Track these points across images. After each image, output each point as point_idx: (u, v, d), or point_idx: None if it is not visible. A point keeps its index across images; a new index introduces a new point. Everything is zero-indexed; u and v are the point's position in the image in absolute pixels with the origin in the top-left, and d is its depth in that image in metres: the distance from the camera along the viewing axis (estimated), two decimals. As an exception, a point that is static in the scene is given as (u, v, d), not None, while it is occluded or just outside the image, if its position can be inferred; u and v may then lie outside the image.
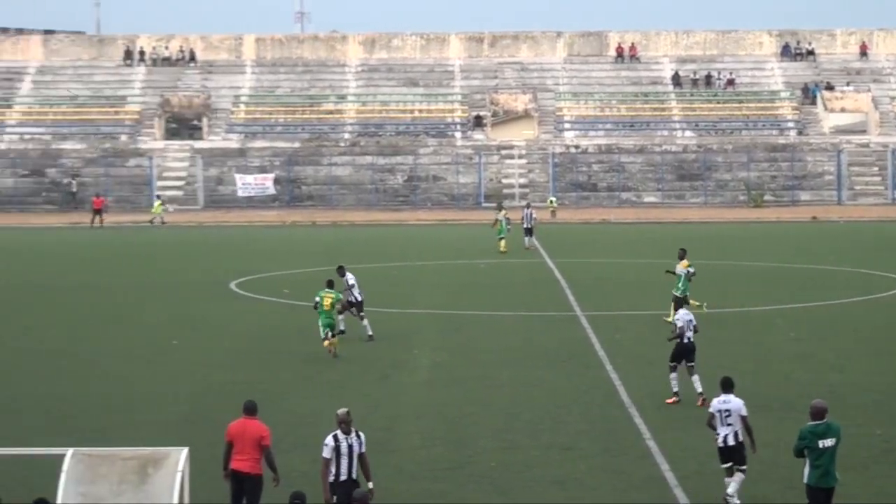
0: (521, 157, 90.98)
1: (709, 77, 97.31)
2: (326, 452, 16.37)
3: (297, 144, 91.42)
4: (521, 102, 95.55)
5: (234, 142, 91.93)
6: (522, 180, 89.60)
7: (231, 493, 16.84)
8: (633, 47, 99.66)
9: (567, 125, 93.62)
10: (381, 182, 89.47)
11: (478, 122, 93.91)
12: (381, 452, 21.11)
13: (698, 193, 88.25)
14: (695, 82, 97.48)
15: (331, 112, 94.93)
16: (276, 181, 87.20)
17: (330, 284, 31.00)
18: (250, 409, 17.06)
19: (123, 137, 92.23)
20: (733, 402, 18.10)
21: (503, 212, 56.89)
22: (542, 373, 28.13)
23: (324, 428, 22.71)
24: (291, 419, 23.54)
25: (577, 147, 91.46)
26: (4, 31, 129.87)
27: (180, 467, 14.45)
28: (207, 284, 44.39)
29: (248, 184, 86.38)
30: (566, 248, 57.42)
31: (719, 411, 18.14)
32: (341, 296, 31.41)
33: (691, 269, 34.11)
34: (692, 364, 24.89)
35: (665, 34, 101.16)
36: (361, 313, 32.59)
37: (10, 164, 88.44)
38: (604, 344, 31.33)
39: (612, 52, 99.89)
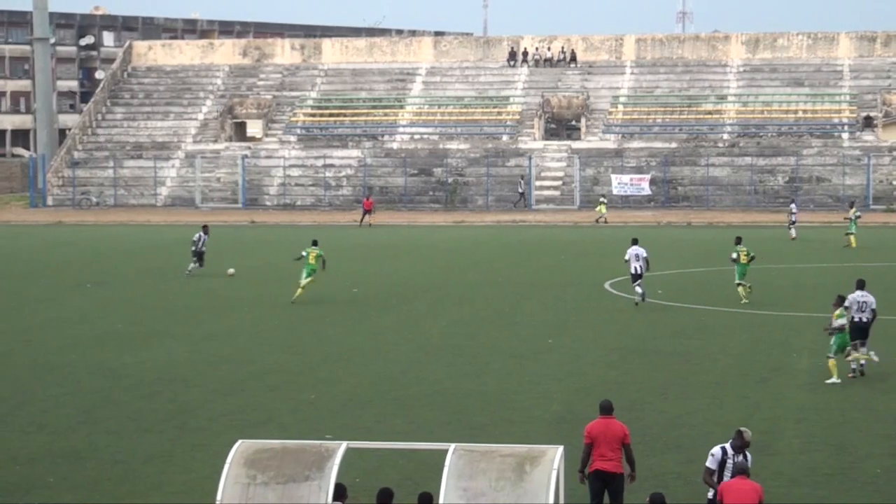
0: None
1: None
2: (711, 463, 15.96)
3: (674, 145, 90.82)
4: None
5: (611, 142, 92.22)
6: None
7: (592, 492, 16.88)
8: None
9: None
10: (760, 183, 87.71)
11: (867, 123, 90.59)
12: (761, 455, 20.74)
13: None
14: None
15: (710, 112, 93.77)
16: (653, 181, 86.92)
17: (315, 242, 40.82)
18: (608, 409, 17.07)
19: (505, 137, 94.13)
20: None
21: (853, 209, 60.92)
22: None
23: (699, 430, 22.60)
24: (666, 420, 23.44)
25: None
26: (399, 32, 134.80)
27: (556, 465, 14.55)
28: (583, 284, 44.71)
29: (625, 184, 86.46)
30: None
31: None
32: (323, 253, 40.09)
33: None
34: None
35: None
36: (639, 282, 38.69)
37: (401, 164, 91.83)
38: None
39: None
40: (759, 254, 54.37)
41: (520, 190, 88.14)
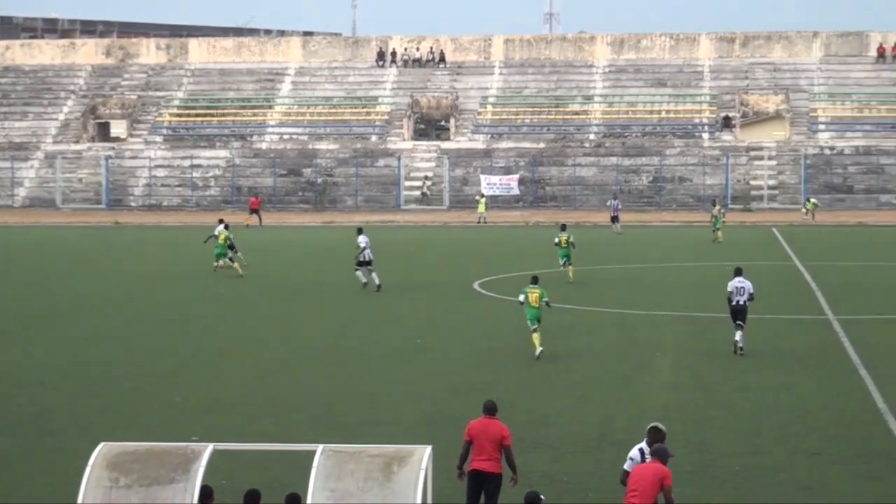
0: (770, 158, 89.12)
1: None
2: (628, 465, 15.63)
3: (542, 145, 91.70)
4: (772, 103, 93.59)
5: (479, 142, 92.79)
6: (772, 182, 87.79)
7: (468, 492, 16.93)
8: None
9: (822, 126, 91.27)
10: (625, 183, 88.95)
11: (726, 123, 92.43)
12: (623, 453, 21.02)
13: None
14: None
15: (577, 113, 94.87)
16: (521, 181, 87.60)
17: (222, 221, 48.43)
18: (490, 409, 17.11)
19: (374, 138, 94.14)
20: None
21: (717, 207, 64.60)
22: (790, 377, 27.53)
23: (565, 429, 22.82)
24: (532, 419, 23.62)
25: (832, 149, 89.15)
26: (267, 32, 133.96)
27: (424, 465, 14.59)
28: (451, 284, 44.90)
29: (493, 184, 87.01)
30: (818, 251, 56.03)
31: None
32: (232, 235, 46.63)
33: None
34: None
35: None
36: (371, 268, 42.46)
37: (270, 164, 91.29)
38: (857, 348, 30.44)
39: (873, 53, 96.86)
40: (623, 253, 55.18)
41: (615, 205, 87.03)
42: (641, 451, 15.73)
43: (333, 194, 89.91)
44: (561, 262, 45.27)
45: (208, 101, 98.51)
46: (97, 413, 24.40)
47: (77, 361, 30.07)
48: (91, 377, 28.08)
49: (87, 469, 14.07)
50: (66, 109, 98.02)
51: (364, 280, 42.91)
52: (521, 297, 30.28)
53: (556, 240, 45.39)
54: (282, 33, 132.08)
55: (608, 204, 73.10)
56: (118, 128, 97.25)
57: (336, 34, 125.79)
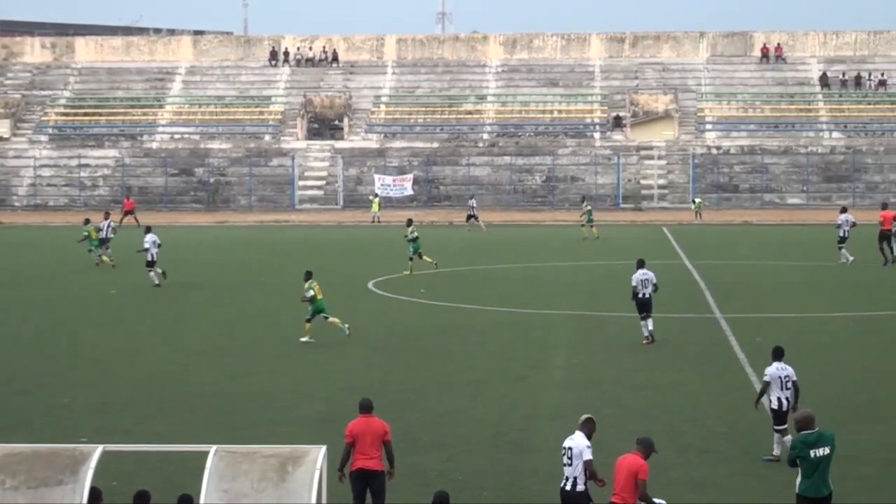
0: (660, 157, 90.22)
1: (858, 78, 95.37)
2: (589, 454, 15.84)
3: (435, 144, 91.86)
4: (661, 103, 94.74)
5: (373, 142, 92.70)
6: (662, 181, 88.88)
7: (355, 492, 16.88)
8: (779, 48, 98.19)
9: (709, 126, 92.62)
10: (519, 182, 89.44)
11: (617, 123, 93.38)
12: (517, 452, 21.10)
13: (846, 195, 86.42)
14: (843, 83, 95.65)
15: (470, 112, 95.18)
16: (415, 181, 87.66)
17: (88, 221, 51.21)
18: (368, 407, 17.10)
19: (267, 137, 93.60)
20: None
21: (585, 203, 66.33)
22: (680, 375, 27.85)
23: (461, 428, 22.84)
24: (429, 418, 23.63)
25: (718, 148, 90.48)
26: (157, 31, 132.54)
27: (318, 465, 14.52)
28: (345, 284, 44.76)
29: (388, 184, 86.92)
30: (706, 250, 56.79)
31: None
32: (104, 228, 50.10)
33: None
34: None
35: (813, 34, 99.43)
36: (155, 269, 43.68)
37: (161, 164, 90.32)
38: (744, 346, 30.88)
39: (757, 53, 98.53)
40: (514, 252, 55.55)
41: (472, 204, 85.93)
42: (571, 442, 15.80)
43: (226, 194, 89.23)
44: (413, 253, 47.06)
45: (96, 100, 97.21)
46: (-17, 416, 23.92)
47: (-38, 364, 29.46)
48: (-23, 380, 27.52)
49: (-28, 472, 13.77)
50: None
51: (156, 282, 43.54)
52: (310, 294, 32.13)
53: (409, 236, 47.33)
54: (172, 32, 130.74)
55: (468, 204, 74.77)
56: (1, 127, 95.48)
57: (228, 33, 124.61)
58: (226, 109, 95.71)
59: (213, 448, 14.50)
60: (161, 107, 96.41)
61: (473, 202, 73.83)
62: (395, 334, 33.79)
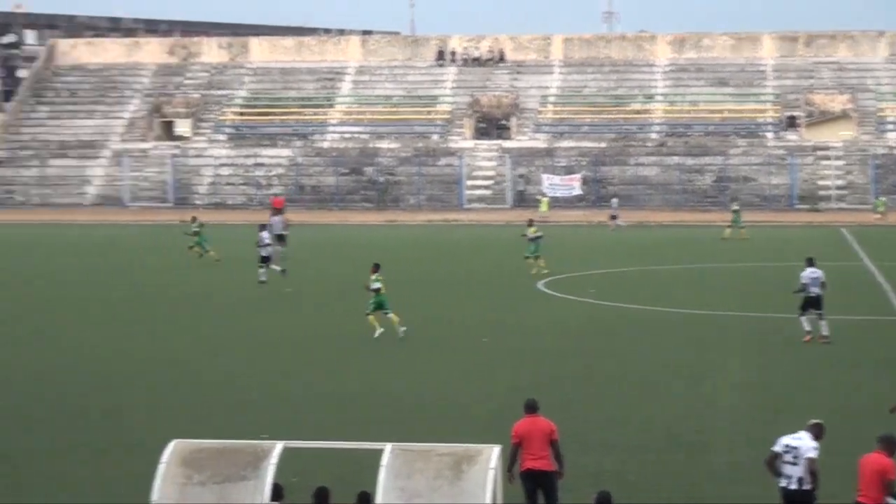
0: (838, 158, 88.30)
1: None
2: (778, 447, 15.71)
3: (603, 144, 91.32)
4: (837, 103, 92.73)
5: (541, 141, 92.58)
6: (840, 182, 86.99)
7: (526, 493, 16.88)
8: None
9: (889, 126, 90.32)
10: (689, 182, 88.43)
11: (791, 123, 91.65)
12: (693, 454, 20.90)
13: None
14: None
15: (638, 112, 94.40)
16: (583, 181, 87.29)
17: (195, 219, 52.40)
18: (533, 407, 17.07)
19: (435, 137, 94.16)
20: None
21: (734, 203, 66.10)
22: (860, 377, 27.26)
23: (634, 428, 22.68)
24: (600, 418, 23.53)
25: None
26: (327, 31, 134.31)
27: (493, 464, 14.56)
28: (514, 284, 44.81)
29: (555, 184, 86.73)
30: (891, 252, 55.36)
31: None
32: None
33: None
34: None
35: None
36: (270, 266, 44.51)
37: (332, 163, 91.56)
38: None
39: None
40: (683, 252, 54.84)
41: (519, 188, 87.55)
42: (787, 445, 15.56)
43: (395, 193, 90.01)
44: (528, 255, 47.37)
45: (269, 100, 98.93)
46: (171, 410, 24.57)
47: (147, 358, 30.29)
48: (163, 374, 28.28)
49: (161, 466, 14.15)
50: (131, 108, 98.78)
51: (262, 279, 44.24)
52: (376, 286, 32.72)
53: (527, 234, 47.83)
54: (341, 32, 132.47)
55: (611, 203, 76.16)
56: (182, 126, 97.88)
57: (395, 33, 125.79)
58: (394, 109, 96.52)
59: (388, 446, 14.63)
60: (331, 106, 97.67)
61: (615, 202, 74.72)
62: (564, 334, 33.72)
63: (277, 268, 44.92)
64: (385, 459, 14.41)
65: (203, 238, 51.28)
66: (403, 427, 22.64)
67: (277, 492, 14.49)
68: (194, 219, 53.00)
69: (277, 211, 74.47)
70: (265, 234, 45.16)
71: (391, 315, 32.67)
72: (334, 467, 19.41)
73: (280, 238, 52.87)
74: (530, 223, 48.91)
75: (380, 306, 32.61)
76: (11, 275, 48.43)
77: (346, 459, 19.68)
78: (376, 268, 32.95)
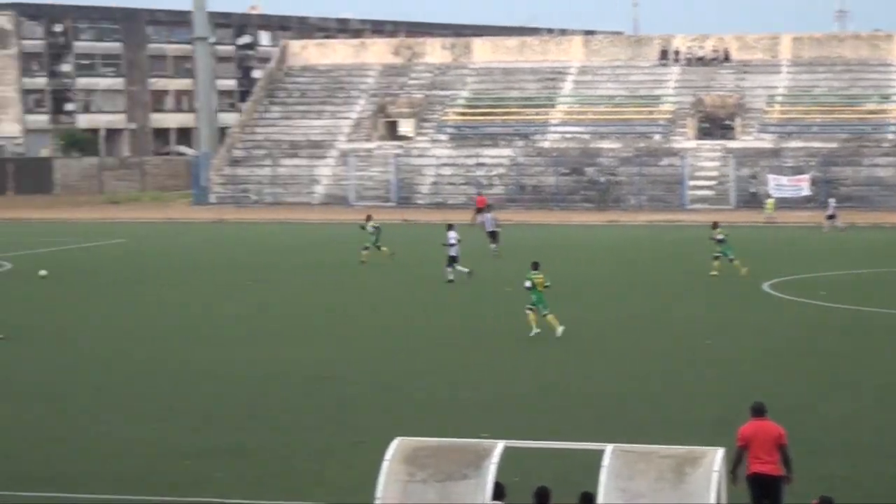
0: None
1: None
2: None
3: (834, 145, 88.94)
4: None
5: (767, 142, 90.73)
6: None
7: (752, 497, 16.57)
8: None
9: None
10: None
11: None
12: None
13: None
14: None
15: (873, 112, 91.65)
16: (812, 182, 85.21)
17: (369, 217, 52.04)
18: (760, 411, 16.74)
19: (657, 137, 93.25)
20: None
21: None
22: None
23: (867, 432, 22.02)
24: (831, 422, 22.96)
25: None
26: (549, 31, 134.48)
27: (716, 467, 14.32)
28: (740, 285, 44.03)
29: (783, 185, 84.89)
30: None
31: None
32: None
33: None
34: None
35: None
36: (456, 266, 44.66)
37: (553, 163, 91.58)
38: None
39: None
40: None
41: (752, 190, 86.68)
42: None
43: (616, 193, 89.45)
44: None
45: (491, 100, 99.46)
46: (391, 408, 24.92)
47: (370, 356, 30.79)
48: (384, 371, 28.71)
49: (385, 463, 14.31)
50: (357, 108, 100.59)
51: (450, 277, 44.53)
52: (528, 283, 32.65)
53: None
54: (563, 32, 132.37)
55: (829, 203, 73.68)
56: (405, 126, 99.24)
57: (618, 33, 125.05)
58: (616, 109, 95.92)
59: (609, 447, 14.52)
60: (552, 106, 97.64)
61: (833, 202, 72.65)
62: (793, 336, 32.99)
63: (465, 269, 45.03)
64: (606, 460, 14.30)
65: (375, 238, 50.86)
66: (623, 429, 22.45)
67: (499, 491, 14.51)
68: (369, 217, 52.58)
69: (481, 210, 75.13)
70: (452, 234, 45.36)
71: (547, 316, 32.67)
72: (553, 468, 19.39)
73: (492, 235, 53.80)
74: (715, 225, 47.92)
75: (536, 304, 32.74)
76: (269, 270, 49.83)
77: (566, 460, 19.64)
78: (535, 266, 33.15)
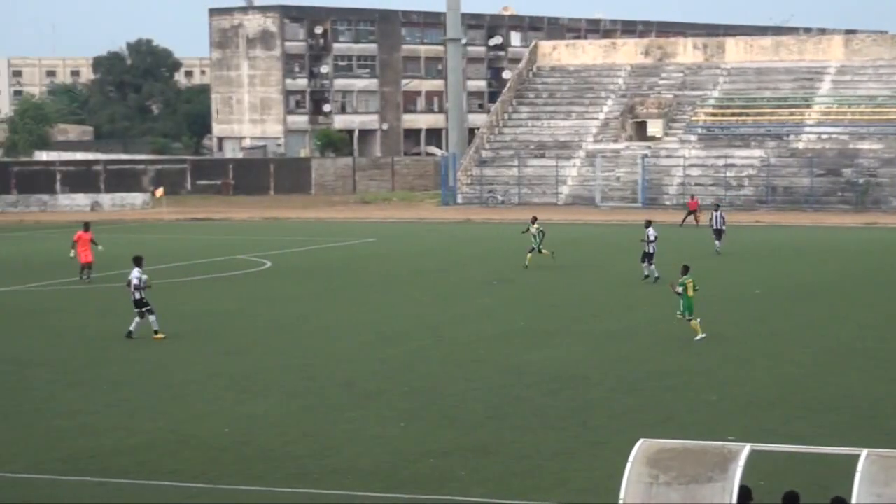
0: None
1: None
2: None
3: None
4: None
5: None
6: None
7: None
8: None
9: None
10: None
11: None
12: None
13: None
14: None
15: None
16: None
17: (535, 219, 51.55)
18: None
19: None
20: None
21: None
22: None
23: None
24: None
25: None
26: (807, 30, 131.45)
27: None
28: None
29: None
30: None
31: None
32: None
33: None
34: None
35: None
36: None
37: (807, 164, 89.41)
38: None
39: None
40: None
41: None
42: None
43: (876, 195, 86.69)
44: None
45: (743, 100, 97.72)
46: (633, 409, 24.73)
47: (613, 357, 30.62)
48: (627, 373, 28.52)
49: (628, 465, 14.19)
50: (605, 109, 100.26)
51: (646, 273, 44.91)
52: (679, 289, 32.23)
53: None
54: (822, 32, 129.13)
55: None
56: (654, 127, 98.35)
57: (881, 32, 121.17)
58: (877, 109, 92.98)
59: (864, 451, 14.09)
60: (808, 106, 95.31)
61: None
62: None
63: (656, 273, 44.71)
64: (861, 465, 13.88)
65: (539, 241, 50.57)
66: (878, 433, 21.73)
67: (745, 494, 14.23)
68: (535, 219, 52.17)
69: (692, 212, 73.98)
70: (651, 231, 45.48)
71: (692, 321, 32.37)
72: (803, 472, 18.90)
73: (718, 233, 55.79)
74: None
75: (685, 309, 32.50)
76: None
77: (816, 465, 19.13)
78: (685, 270, 33.00)
